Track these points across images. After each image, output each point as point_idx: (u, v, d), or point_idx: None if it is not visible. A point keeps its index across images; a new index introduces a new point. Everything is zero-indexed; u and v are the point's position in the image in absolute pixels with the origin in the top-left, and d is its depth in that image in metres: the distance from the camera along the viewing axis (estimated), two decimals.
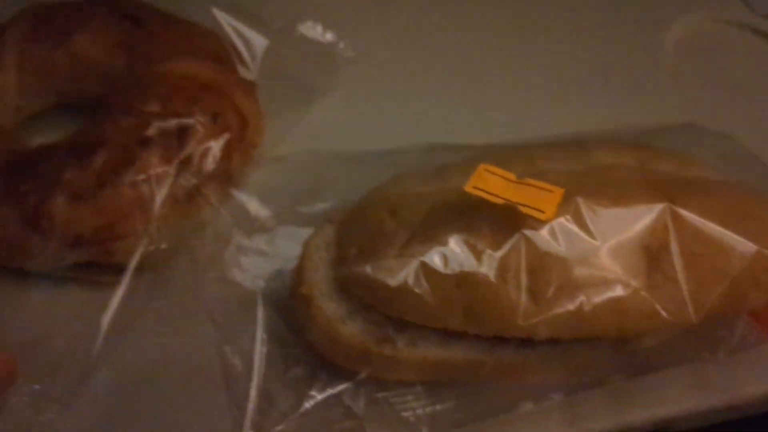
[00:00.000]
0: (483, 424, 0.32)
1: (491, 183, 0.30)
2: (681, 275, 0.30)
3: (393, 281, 0.30)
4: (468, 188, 0.30)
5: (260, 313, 0.32)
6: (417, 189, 0.34)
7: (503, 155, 0.36)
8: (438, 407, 0.32)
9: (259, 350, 0.31)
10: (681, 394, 0.34)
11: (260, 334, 0.31)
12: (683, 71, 0.52)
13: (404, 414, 0.31)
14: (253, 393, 0.30)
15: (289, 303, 0.33)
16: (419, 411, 0.31)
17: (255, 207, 0.38)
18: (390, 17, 0.50)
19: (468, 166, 0.33)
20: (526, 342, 0.30)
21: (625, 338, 0.31)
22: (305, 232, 0.36)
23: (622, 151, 0.36)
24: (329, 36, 0.47)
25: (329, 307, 0.31)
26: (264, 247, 0.37)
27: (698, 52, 0.54)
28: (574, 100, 0.47)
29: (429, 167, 0.36)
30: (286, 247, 0.36)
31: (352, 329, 0.31)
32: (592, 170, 0.34)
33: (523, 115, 0.46)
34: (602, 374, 0.33)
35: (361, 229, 0.33)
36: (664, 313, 0.30)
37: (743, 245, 0.31)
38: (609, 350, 0.32)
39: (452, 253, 0.29)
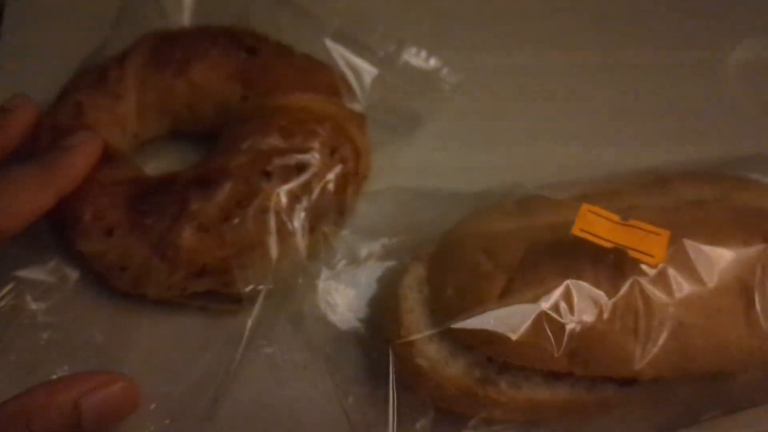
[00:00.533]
0: None
1: (597, 225, 0.31)
2: None
3: (510, 331, 0.30)
4: (575, 231, 0.31)
5: (391, 361, 0.32)
6: (505, 225, 0.35)
7: (587, 191, 0.36)
8: None
9: (392, 398, 0.31)
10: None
11: (392, 380, 0.31)
12: (746, 97, 0.51)
13: None
14: None
15: (381, 344, 0.33)
16: None
17: (348, 241, 0.38)
18: (494, 43, 0.50)
19: (554, 203, 0.34)
20: (626, 381, 0.31)
21: (724, 375, 0.32)
22: (389, 267, 0.37)
23: (702, 182, 0.36)
24: (432, 62, 0.47)
25: (430, 349, 0.32)
26: (355, 283, 0.37)
27: (764, 76, 0.53)
28: (639, 133, 0.47)
29: (510, 202, 0.37)
30: (377, 283, 0.37)
31: (455, 371, 0.31)
32: (682, 206, 0.34)
33: (598, 150, 0.46)
34: (695, 411, 0.33)
35: (456, 269, 0.34)
36: (761, 351, 0.30)
37: None
38: (707, 387, 0.32)
39: (567, 299, 0.29)
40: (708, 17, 0.54)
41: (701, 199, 0.36)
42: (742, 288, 0.31)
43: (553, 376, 0.32)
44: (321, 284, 0.36)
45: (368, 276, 0.37)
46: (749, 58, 0.53)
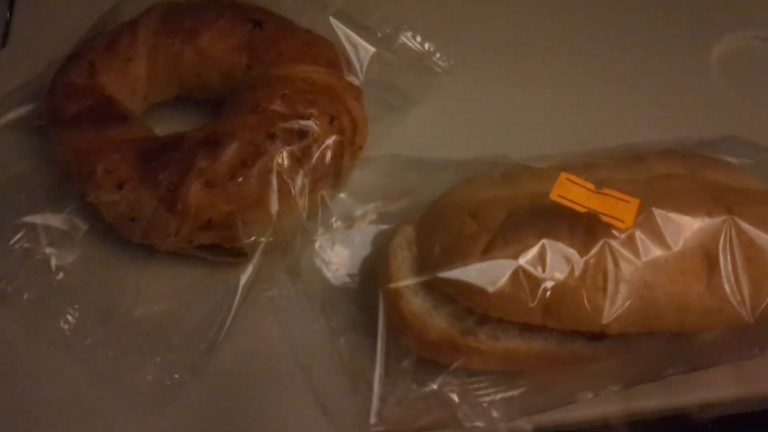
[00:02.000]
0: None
1: (573, 192, 0.34)
2: (739, 278, 0.34)
3: (489, 284, 0.33)
4: (553, 196, 0.34)
5: (381, 306, 0.34)
6: (492, 193, 0.37)
7: (566, 164, 0.39)
8: (509, 394, 0.35)
9: (381, 340, 0.34)
10: (723, 383, 0.38)
11: (381, 323, 0.34)
12: (727, 86, 0.55)
13: (481, 399, 0.35)
14: (376, 384, 0.33)
15: (372, 298, 0.36)
16: (493, 397, 0.35)
17: (345, 204, 0.41)
18: (484, 31, 0.53)
19: (535, 173, 0.37)
20: (596, 335, 0.34)
21: (685, 333, 0.35)
22: (380, 230, 0.40)
23: (675, 160, 0.39)
24: (427, 46, 0.50)
25: (415, 302, 0.35)
26: (350, 242, 0.40)
27: (742, 68, 0.57)
28: (626, 113, 0.51)
29: (495, 172, 0.40)
30: (370, 243, 0.39)
31: (438, 322, 0.34)
32: (653, 180, 0.37)
33: (586, 126, 0.49)
34: (660, 367, 0.36)
35: (443, 231, 0.36)
36: (721, 312, 0.33)
37: None
38: (669, 345, 0.35)
39: (542, 257, 0.32)
40: (695, 11, 0.58)
41: (672, 174, 0.39)
42: (705, 254, 0.34)
43: (529, 329, 0.35)
44: (317, 242, 0.39)
45: (362, 237, 0.40)
46: (730, 51, 0.57)
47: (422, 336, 0.35)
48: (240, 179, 0.38)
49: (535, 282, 0.32)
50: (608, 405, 0.37)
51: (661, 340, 0.36)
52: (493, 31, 0.54)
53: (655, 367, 0.37)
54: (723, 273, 0.34)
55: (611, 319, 0.33)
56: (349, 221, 0.40)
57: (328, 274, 0.39)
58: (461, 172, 0.41)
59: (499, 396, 0.36)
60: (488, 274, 0.33)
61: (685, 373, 0.37)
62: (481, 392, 0.36)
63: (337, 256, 0.39)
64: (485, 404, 0.35)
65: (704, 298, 0.34)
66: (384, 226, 0.41)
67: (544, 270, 0.32)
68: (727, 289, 0.34)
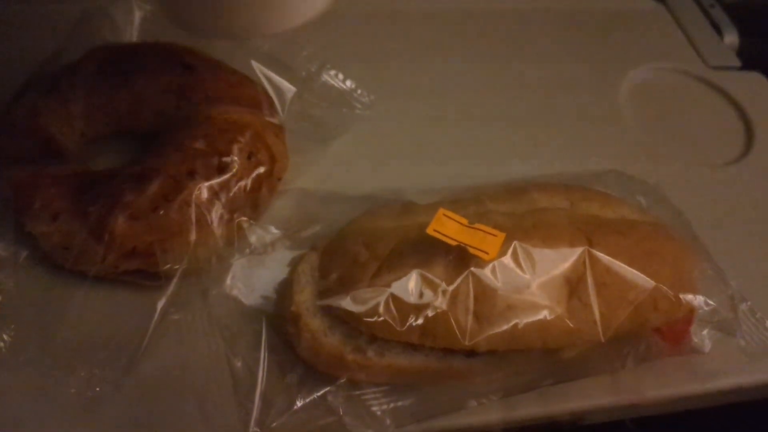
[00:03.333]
0: (436, 418, 0.40)
1: (447, 226, 0.38)
2: (593, 302, 0.38)
3: (366, 309, 0.37)
4: (429, 231, 0.38)
5: (264, 327, 0.39)
6: (388, 223, 0.42)
7: (459, 197, 0.44)
8: (400, 403, 0.39)
9: (263, 360, 0.38)
10: (597, 393, 0.42)
11: (264, 345, 0.38)
12: (635, 117, 0.60)
13: (373, 408, 0.39)
14: (257, 396, 0.37)
15: (279, 318, 0.40)
16: (385, 407, 0.39)
17: (258, 232, 0.46)
18: (401, 69, 0.58)
19: (430, 206, 0.41)
20: (471, 352, 0.38)
21: (550, 350, 0.39)
22: (294, 256, 0.44)
23: (557, 193, 0.44)
24: (348, 83, 0.55)
25: (313, 322, 0.39)
26: (262, 267, 0.44)
27: (650, 99, 0.62)
28: (535, 148, 0.56)
29: (397, 204, 0.44)
30: (280, 268, 0.44)
31: (331, 341, 0.38)
32: (529, 212, 0.42)
33: (498, 160, 0.55)
34: (533, 379, 0.41)
35: (341, 258, 0.41)
36: (578, 332, 0.38)
37: (644, 281, 0.39)
38: (538, 360, 0.40)
39: (415, 285, 0.37)
40: (604, 47, 0.63)
41: (548, 207, 0.43)
42: (565, 280, 0.39)
43: (411, 347, 0.39)
44: (233, 267, 0.43)
45: (276, 262, 0.44)
46: (639, 83, 0.62)
47: (317, 353, 0.39)
48: (161, 212, 0.42)
49: (406, 307, 0.37)
50: (491, 413, 0.42)
51: (532, 355, 0.40)
52: (410, 69, 0.59)
53: (529, 379, 0.41)
54: (580, 297, 0.39)
55: (480, 339, 0.38)
56: (264, 248, 0.45)
57: (240, 296, 0.43)
58: (365, 204, 0.45)
59: (390, 405, 0.40)
60: (368, 300, 0.37)
61: (557, 384, 0.42)
62: (373, 402, 0.40)
63: (252, 280, 0.44)
64: (377, 413, 0.40)
65: (563, 320, 0.38)
66: (297, 252, 0.45)
67: (416, 296, 0.37)
68: (584, 311, 0.39)
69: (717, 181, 0.57)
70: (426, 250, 0.39)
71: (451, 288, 0.37)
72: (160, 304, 0.41)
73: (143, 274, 0.43)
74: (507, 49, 0.63)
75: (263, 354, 0.38)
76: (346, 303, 0.37)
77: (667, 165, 0.57)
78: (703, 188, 0.56)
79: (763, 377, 0.45)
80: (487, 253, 0.37)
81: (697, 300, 0.41)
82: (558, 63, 0.63)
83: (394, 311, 0.37)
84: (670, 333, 0.42)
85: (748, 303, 0.45)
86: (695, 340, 0.43)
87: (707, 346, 0.43)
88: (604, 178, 0.49)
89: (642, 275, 0.39)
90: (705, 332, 0.43)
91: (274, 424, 0.36)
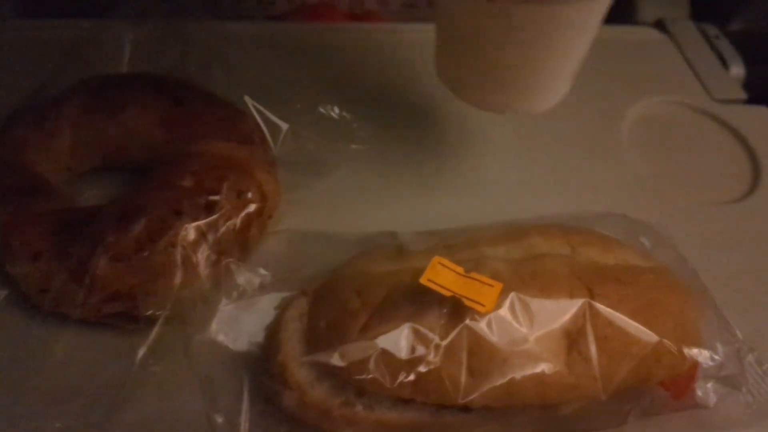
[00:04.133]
0: None
1: (442, 276, 0.36)
2: (593, 356, 0.36)
3: (355, 364, 0.36)
4: (422, 280, 0.36)
5: (246, 378, 0.37)
6: (380, 268, 0.40)
7: (455, 240, 0.42)
8: None
9: (244, 415, 0.36)
10: None
11: (245, 398, 0.37)
12: (637, 152, 0.59)
13: None
14: None
15: (266, 367, 0.39)
16: None
17: (247, 274, 0.44)
18: (396, 104, 0.57)
19: (424, 251, 0.40)
20: (466, 408, 0.36)
21: (548, 406, 0.37)
22: (286, 299, 0.42)
23: (556, 236, 0.42)
24: (344, 117, 0.53)
25: (300, 373, 0.37)
26: (250, 312, 0.42)
27: (653, 133, 0.60)
28: (531, 184, 0.55)
29: (392, 247, 0.43)
30: (269, 313, 0.42)
31: (319, 394, 0.37)
32: (527, 259, 0.40)
33: (496, 199, 0.53)
34: None
35: (331, 305, 0.39)
36: (578, 387, 0.36)
37: (647, 334, 0.37)
38: (536, 415, 0.38)
39: (406, 339, 0.35)
40: (608, 81, 0.61)
41: (548, 253, 0.42)
42: (564, 333, 0.37)
43: (403, 401, 0.37)
44: (219, 311, 0.41)
45: (264, 306, 0.43)
46: (642, 117, 0.60)
47: (303, 406, 0.37)
48: (145, 253, 0.41)
49: (396, 363, 0.35)
50: None
51: (529, 411, 0.38)
52: (409, 105, 0.57)
53: None
54: (580, 351, 0.37)
55: (475, 395, 0.36)
56: (253, 291, 0.43)
57: (228, 343, 0.41)
58: (359, 246, 0.44)
59: None
60: (357, 355, 0.35)
61: None
62: None
63: (239, 325, 0.42)
64: None
65: (562, 375, 0.37)
66: (286, 295, 0.43)
67: (407, 352, 0.35)
68: (584, 365, 0.37)
69: (723, 220, 0.55)
70: (419, 300, 0.37)
71: (444, 343, 0.36)
72: (141, 352, 0.39)
73: (126, 317, 0.42)
74: None
75: (245, 407, 0.36)
76: (334, 359, 0.35)
77: (671, 203, 0.55)
78: (708, 228, 0.54)
79: None
80: (483, 305, 0.36)
81: (702, 354, 0.39)
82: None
83: (384, 367, 0.35)
84: (674, 387, 0.40)
85: (755, 353, 0.43)
86: (699, 394, 0.41)
87: (712, 400, 0.41)
88: (605, 221, 0.47)
89: (645, 329, 0.38)
90: (710, 386, 0.41)
91: None
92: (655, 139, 0.61)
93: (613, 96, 0.63)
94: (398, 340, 0.35)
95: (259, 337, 0.41)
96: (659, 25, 0.72)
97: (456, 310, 0.37)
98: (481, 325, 0.36)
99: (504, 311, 0.37)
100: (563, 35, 0.43)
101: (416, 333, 0.36)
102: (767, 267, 0.52)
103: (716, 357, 0.40)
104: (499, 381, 0.36)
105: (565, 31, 0.43)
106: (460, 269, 0.37)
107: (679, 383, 0.40)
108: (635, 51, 0.67)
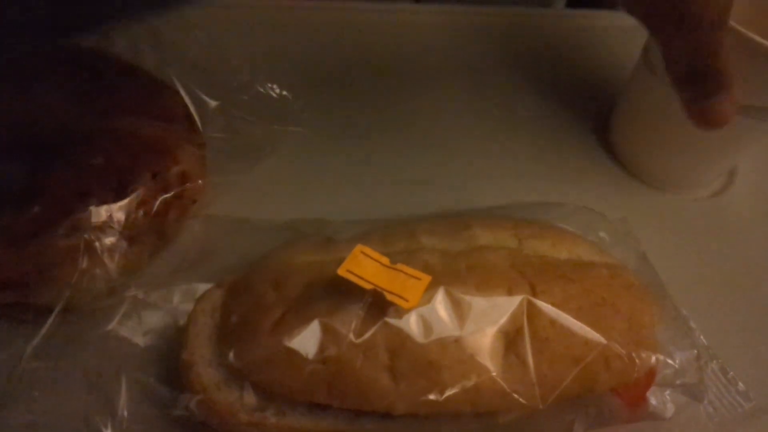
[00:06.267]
0: None
1: (364, 266, 0.32)
2: (531, 359, 0.33)
3: (258, 365, 0.32)
4: (341, 271, 0.32)
5: (124, 378, 0.33)
6: (304, 259, 0.37)
7: (392, 230, 0.38)
8: None
9: (120, 420, 0.32)
10: None
11: (128, 400, 0.33)
12: (611, 142, 0.55)
13: None
14: None
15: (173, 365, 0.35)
16: None
17: (160, 263, 0.40)
18: (340, 85, 0.53)
19: (353, 241, 0.35)
20: (388, 414, 0.32)
21: (481, 414, 0.33)
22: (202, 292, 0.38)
23: (502, 228, 0.39)
24: (284, 94, 0.49)
25: (207, 372, 0.33)
26: (160, 304, 0.38)
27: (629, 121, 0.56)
28: (487, 172, 0.51)
29: (320, 236, 0.39)
30: (182, 305, 0.38)
31: (226, 397, 0.33)
32: (465, 252, 0.36)
33: (445, 189, 0.49)
34: None
35: (245, 298, 0.35)
36: (514, 395, 0.32)
37: (593, 336, 0.33)
38: (469, 424, 0.34)
39: (316, 337, 0.31)
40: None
41: (489, 245, 0.38)
42: (500, 334, 0.33)
43: (319, 408, 0.33)
44: (126, 303, 0.37)
45: (177, 298, 0.39)
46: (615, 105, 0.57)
47: (209, 409, 0.33)
48: (42, 238, 0.37)
49: (306, 363, 0.31)
50: None
51: (461, 419, 0.34)
52: (351, 86, 0.53)
53: None
54: (517, 353, 0.33)
55: (397, 399, 0.32)
56: (166, 281, 0.39)
57: (135, 337, 0.37)
58: (285, 235, 0.40)
59: None
60: (257, 353, 0.31)
61: None
62: None
63: (147, 318, 0.38)
64: None
65: (496, 379, 0.33)
66: (202, 287, 0.39)
67: (315, 351, 0.31)
68: (521, 370, 0.33)
69: (694, 216, 0.51)
70: (338, 294, 0.33)
71: (360, 340, 0.31)
72: (30, 346, 0.35)
73: (17, 307, 0.37)
74: (471, 66, 0.57)
75: (124, 413, 0.32)
76: (231, 357, 0.31)
77: (644, 197, 0.52)
78: (680, 224, 0.51)
79: None
80: (406, 300, 0.32)
81: (656, 359, 0.35)
82: (531, 80, 0.57)
83: (293, 368, 0.31)
84: (627, 395, 0.36)
85: (719, 361, 0.40)
86: (654, 403, 0.37)
87: (669, 410, 0.38)
88: (563, 211, 0.43)
89: (591, 330, 0.34)
90: (667, 394, 0.37)
91: None
92: (631, 129, 0.57)
93: (585, 84, 0.59)
94: (307, 338, 0.31)
95: (168, 332, 0.37)
96: None
97: (377, 304, 0.33)
98: (405, 322, 0.32)
99: (432, 307, 0.33)
100: (745, 142, 0.50)
101: (328, 330, 0.32)
102: (738, 267, 0.48)
103: (672, 363, 0.36)
104: (425, 385, 0.32)
105: (748, 142, 0.50)
106: (385, 260, 0.33)
107: (633, 391, 0.36)
108: (611, 37, 0.63)
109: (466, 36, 0.60)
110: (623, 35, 0.62)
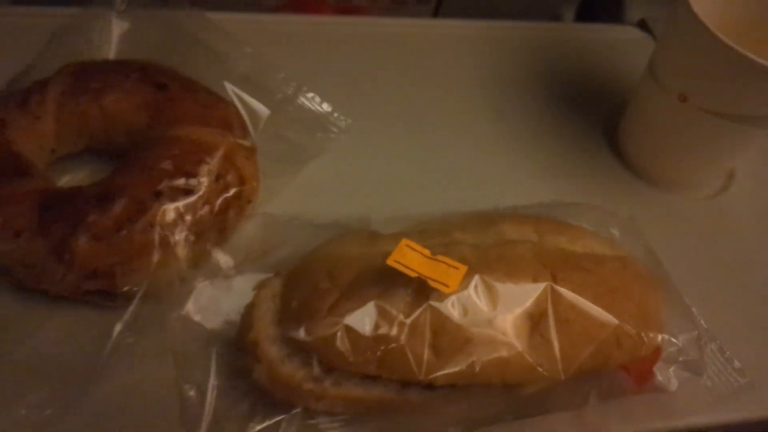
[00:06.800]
0: None
1: (409, 257, 0.38)
2: (554, 338, 0.38)
3: (322, 340, 0.37)
4: (389, 261, 0.37)
5: (214, 354, 0.39)
6: (352, 251, 0.42)
7: (427, 226, 0.43)
8: None
9: (212, 386, 0.38)
10: (561, 429, 0.42)
11: (213, 373, 0.38)
12: (616, 146, 0.61)
13: None
14: (203, 425, 0.37)
15: (239, 344, 0.40)
16: None
17: (224, 255, 0.45)
18: (376, 95, 0.58)
19: (395, 235, 0.41)
20: (430, 385, 0.37)
21: (510, 385, 0.39)
22: (261, 280, 0.43)
23: (526, 224, 0.44)
24: (325, 107, 0.54)
25: (271, 350, 0.38)
26: (226, 291, 0.43)
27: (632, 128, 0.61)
28: (511, 175, 0.57)
29: (365, 231, 0.44)
30: (244, 293, 0.43)
31: (288, 370, 0.38)
32: (495, 245, 0.41)
33: (473, 189, 0.55)
34: (493, 414, 0.41)
35: (303, 285, 0.40)
36: (539, 369, 0.37)
37: (607, 318, 0.38)
38: (498, 395, 0.39)
39: (371, 317, 0.37)
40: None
41: (515, 240, 0.43)
42: (526, 316, 0.38)
43: (369, 378, 0.38)
44: (195, 290, 0.43)
45: (240, 286, 0.44)
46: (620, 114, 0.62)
47: (273, 381, 0.38)
48: (124, 232, 0.42)
49: (361, 339, 0.36)
50: None
51: (491, 390, 0.40)
52: (388, 95, 0.58)
53: (489, 414, 0.41)
54: (541, 333, 0.38)
55: (438, 373, 0.37)
56: (229, 271, 0.44)
57: (203, 321, 0.42)
58: (333, 230, 0.45)
59: None
60: (325, 331, 0.37)
61: (519, 420, 0.41)
62: (330, 431, 0.39)
63: (214, 304, 0.43)
64: None
65: (523, 355, 0.38)
66: (261, 276, 0.45)
67: (371, 328, 0.36)
68: (545, 347, 0.38)
69: (695, 215, 0.57)
70: (387, 281, 0.38)
71: (408, 320, 0.37)
72: (117, 327, 0.40)
73: (104, 294, 0.43)
74: (489, 76, 0.63)
75: (212, 381, 0.38)
76: (301, 333, 0.36)
77: (648, 197, 0.57)
78: (681, 222, 0.56)
79: (729, 417, 0.45)
80: (447, 286, 0.37)
81: (662, 339, 0.40)
82: (544, 89, 0.62)
83: (349, 343, 0.36)
84: (636, 371, 0.42)
85: (718, 342, 0.45)
86: (660, 378, 0.42)
87: (673, 384, 0.43)
88: (578, 210, 0.48)
89: (605, 313, 0.39)
90: (671, 371, 0.42)
91: None
92: (638, 135, 0.62)
93: (594, 93, 0.64)
94: (363, 317, 0.37)
95: (233, 316, 0.43)
96: (642, 24, 0.73)
97: (421, 290, 0.38)
98: (445, 305, 0.37)
99: (468, 293, 0.38)
100: (743, 147, 0.55)
101: (381, 311, 0.37)
102: (735, 261, 0.54)
103: (676, 342, 0.41)
104: (462, 360, 0.37)
105: (746, 147, 0.55)
106: (427, 252, 0.38)
107: (641, 367, 0.42)
108: (617, 49, 0.69)
109: (483, 48, 0.66)
110: (630, 47, 0.67)
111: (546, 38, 0.68)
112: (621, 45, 0.68)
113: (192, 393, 0.38)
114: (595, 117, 0.62)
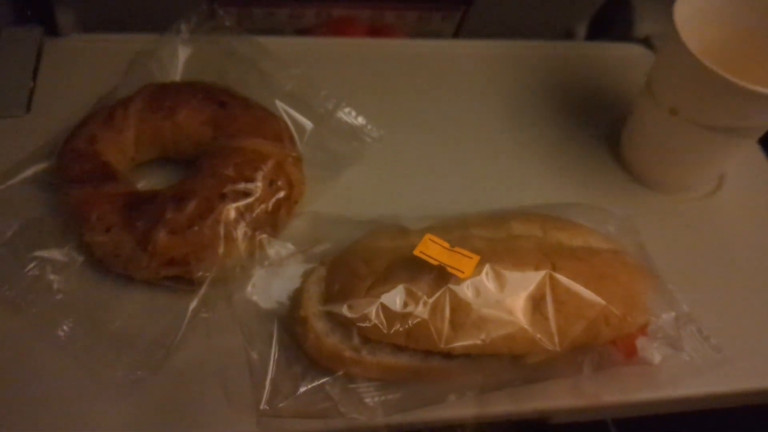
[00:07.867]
0: (420, 409, 0.47)
1: (432, 249, 0.46)
2: (551, 316, 0.45)
3: (360, 315, 0.45)
4: (416, 252, 0.45)
5: (276, 327, 0.47)
6: (385, 244, 0.50)
7: (448, 222, 0.51)
8: (390, 396, 0.47)
9: (273, 354, 0.46)
10: (561, 396, 0.50)
11: (275, 342, 0.47)
12: (616, 153, 0.68)
13: (366, 400, 0.47)
14: (268, 382, 0.45)
15: (291, 320, 0.49)
16: (376, 398, 0.47)
17: (276, 247, 0.54)
18: (405, 109, 0.67)
19: (421, 231, 0.49)
20: (449, 355, 0.46)
21: (516, 356, 0.46)
22: (306, 268, 0.52)
23: (533, 222, 0.51)
24: (360, 119, 0.63)
25: (318, 325, 0.47)
26: (278, 278, 0.52)
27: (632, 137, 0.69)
28: (523, 179, 0.64)
29: (395, 227, 0.52)
30: (294, 279, 0.52)
31: (332, 341, 0.46)
32: (504, 239, 0.49)
33: (489, 191, 0.63)
34: (503, 380, 0.49)
35: (343, 272, 0.49)
36: (539, 341, 0.45)
37: (597, 300, 0.46)
38: (507, 363, 0.47)
39: (400, 297, 0.45)
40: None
41: (522, 235, 0.51)
42: (530, 297, 0.46)
43: (398, 348, 0.47)
44: (253, 276, 0.51)
45: (290, 273, 0.52)
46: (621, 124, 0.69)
47: (319, 350, 0.47)
48: (196, 228, 0.51)
49: (393, 315, 0.45)
50: (467, 408, 0.49)
51: (501, 359, 0.48)
52: (417, 108, 0.67)
53: (499, 379, 0.49)
54: (541, 312, 0.46)
55: (455, 344, 0.45)
56: (281, 261, 0.53)
57: (259, 300, 0.51)
58: (368, 227, 0.53)
59: (380, 397, 0.48)
60: (362, 308, 0.45)
61: (525, 385, 0.49)
62: (365, 394, 0.48)
63: (269, 287, 0.52)
64: (369, 403, 0.48)
65: (526, 330, 0.46)
66: (309, 265, 0.53)
67: (401, 306, 0.45)
68: (544, 324, 0.46)
69: (687, 214, 0.64)
70: (414, 268, 0.47)
71: (431, 300, 0.45)
72: (192, 305, 0.49)
73: (179, 279, 0.51)
74: (505, 90, 0.71)
75: (274, 349, 0.46)
76: (344, 310, 0.45)
77: (644, 197, 0.64)
78: (674, 220, 0.63)
79: (708, 390, 0.52)
80: (463, 272, 0.45)
81: (646, 319, 0.48)
82: (555, 102, 0.70)
83: (383, 318, 0.44)
84: (623, 345, 0.49)
85: (697, 324, 0.52)
86: (644, 353, 0.49)
87: (657, 358, 0.50)
88: (580, 209, 0.56)
89: (595, 295, 0.47)
90: (655, 346, 0.50)
91: (281, 405, 0.44)
92: (636, 142, 0.69)
93: (600, 105, 0.72)
94: (394, 297, 0.45)
95: (285, 297, 0.51)
96: (646, 41, 0.80)
97: (441, 276, 0.46)
98: (462, 288, 0.45)
99: (481, 278, 0.46)
100: (729, 154, 0.62)
101: (409, 292, 0.45)
102: (722, 255, 0.61)
103: (657, 321, 0.49)
104: (475, 333, 0.45)
105: (733, 154, 0.62)
106: (446, 244, 0.47)
107: (628, 342, 0.49)
108: (623, 65, 0.76)
109: (501, 65, 0.73)
110: (634, 64, 0.74)
111: (557, 56, 0.75)
112: (626, 61, 0.75)
113: (256, 357, 0.46)
114: (600, 127, 0.69)
